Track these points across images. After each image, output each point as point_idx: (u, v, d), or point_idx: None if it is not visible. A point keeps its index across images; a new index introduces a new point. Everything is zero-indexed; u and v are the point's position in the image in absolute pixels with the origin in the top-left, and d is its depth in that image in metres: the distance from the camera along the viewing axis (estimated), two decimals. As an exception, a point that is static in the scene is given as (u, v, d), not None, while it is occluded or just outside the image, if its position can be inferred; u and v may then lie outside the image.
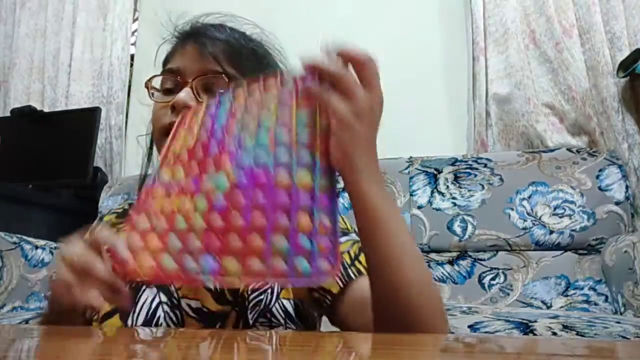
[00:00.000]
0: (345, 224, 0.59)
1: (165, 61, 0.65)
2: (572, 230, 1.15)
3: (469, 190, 1.24)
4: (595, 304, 1.07)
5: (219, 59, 0.58)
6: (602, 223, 1.14)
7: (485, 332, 0.75)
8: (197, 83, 0.57)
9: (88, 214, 1.61)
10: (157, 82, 0.62)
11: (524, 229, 1.18)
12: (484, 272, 1.18)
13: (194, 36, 0.61)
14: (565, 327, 0.74)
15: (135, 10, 1.95)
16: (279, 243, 0.35)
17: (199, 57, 0.58)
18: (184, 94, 0.56)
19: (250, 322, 0.53)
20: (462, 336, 0.60)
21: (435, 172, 1.29)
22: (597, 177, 1.18)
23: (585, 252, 1.16)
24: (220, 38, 0.60)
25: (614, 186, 1.16)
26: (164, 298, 0.55)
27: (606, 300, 1.07)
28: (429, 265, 1.21)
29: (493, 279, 1.17)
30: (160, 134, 0.58)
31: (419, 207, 1.26)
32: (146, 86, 0.62)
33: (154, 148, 0.67)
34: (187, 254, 0.38)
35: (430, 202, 1.26)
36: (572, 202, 1.17)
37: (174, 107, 0.56)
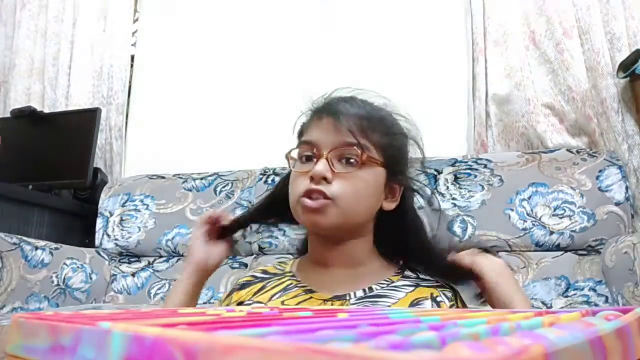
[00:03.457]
0: None
1: (301, 132, 0.72)
2: (572, 231, 1.15)
3: (469, 191, 1.24)
4: (596, 305, 1.07)
5: (352, 131, 0.64)
6: (602, 224, 1.14)
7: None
8: (332, 154, 0.64)
9: (88, 215, 1.62)
10: (294, 153, 0.69)
11: (524, 229, 1.18)
12: (484, 273, 1.18)
13: (329, 110, 0.67)
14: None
15: (135, 11, 1.96)
16: None
17: (333, 130, 0.65)
18: (321, 166, 0.62)
19: None
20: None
21: (435, 173, 1.29)
22: (597, 177, 1.18)
23: (585, 252, 1.16)
24: (352, 112, 0.66)
25: (613, 187, 1.16)
26: None
27: (606, 301, 1.07)
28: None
29: (493, 279, 1.17)
30: (297, 199, 0.64)
31: (419, 208, 1.26)
32: (286, 157, 0.69)
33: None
34: None
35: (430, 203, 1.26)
36: (572, 203, 1.17)
37: (312, 177, 0.63)
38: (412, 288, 0.67)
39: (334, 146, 0.64)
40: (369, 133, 0.65)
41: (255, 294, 0.69)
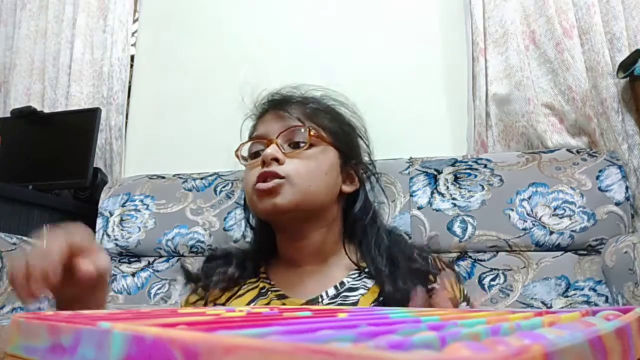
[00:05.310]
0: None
1: (250, 134, 0.74)
2: (572, 231, 1.15)
3: (469, 191, 1.24)
4: (596, 305, 1.07)
5: (295, 114, 0.66)
6: (602, 224, 1.14)
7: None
8: (280, 139, 0.65)
9: (88, 215, 1.61)
10: (245, 152, 0.71)
11: (524, 229, 1.18)
12: (484, 273, 1.18)
13: (271, 106, 0.71)
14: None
15: (135, 11, 1.96)
16: None
17: (278, 119, 0.67)
18: (270, 149, 0.63)
19: None
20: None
21: (435, 173, 1.29)
22: (597, 177, 1.18)
23: (586, 252, 1.16)
24: (295, 100, 0.69)
25: (614, 187, 1.16)
26: None
27: (606, 301, 1.07)
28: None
29: (493, 279, 1.17)
30: (251, 188, 0.65)
31: (419, 208, 1.26)
32: (236, 155, 0.72)
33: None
34: None
35: (430, 203, 1.26)
36: (572, 203, 1.17)
37: (264, 161, 0.63)
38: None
39: (281, 131, 0.65)
40: (314, 117, 0.67)
41: (229, 298, 0.67)
